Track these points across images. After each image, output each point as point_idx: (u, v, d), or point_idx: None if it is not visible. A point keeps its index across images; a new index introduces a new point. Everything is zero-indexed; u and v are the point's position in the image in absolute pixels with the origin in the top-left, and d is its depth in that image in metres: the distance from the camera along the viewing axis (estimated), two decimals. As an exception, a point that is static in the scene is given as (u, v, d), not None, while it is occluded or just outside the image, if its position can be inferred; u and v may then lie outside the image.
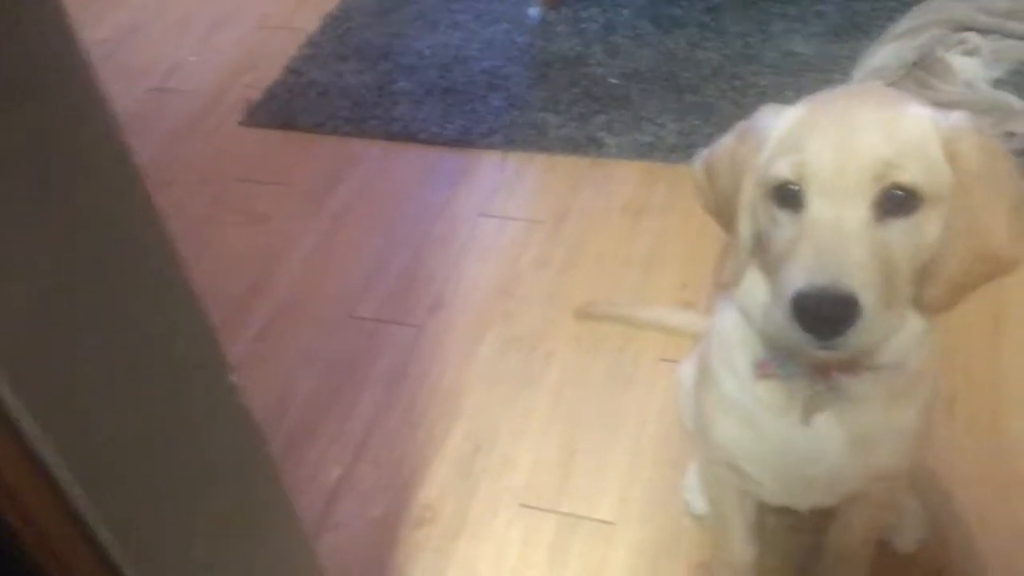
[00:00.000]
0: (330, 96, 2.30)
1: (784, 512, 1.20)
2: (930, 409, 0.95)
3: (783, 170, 0.76)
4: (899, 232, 0.75)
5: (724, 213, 0.88)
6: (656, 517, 1.37)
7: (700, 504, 1.31)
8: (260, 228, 1.99)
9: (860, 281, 0.71)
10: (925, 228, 0.76)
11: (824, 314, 0.71)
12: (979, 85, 1.98)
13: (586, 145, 2.05)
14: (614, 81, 2.20)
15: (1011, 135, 1.84)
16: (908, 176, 0.74)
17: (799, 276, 0.73)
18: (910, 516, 1.27)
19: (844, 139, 0.74)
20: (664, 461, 1.44)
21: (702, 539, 1.31)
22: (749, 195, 0.83)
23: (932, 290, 0.79)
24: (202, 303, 0.73)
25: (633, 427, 1.50)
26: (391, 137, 2.16)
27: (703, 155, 0.92)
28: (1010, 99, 1.86)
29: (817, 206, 0.75)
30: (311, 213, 2.00)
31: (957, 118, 0.77)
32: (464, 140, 2.12)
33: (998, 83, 2.00)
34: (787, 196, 0.77)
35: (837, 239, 0.73)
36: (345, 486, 1.48)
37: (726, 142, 0.88)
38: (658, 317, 1.63)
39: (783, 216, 0.78)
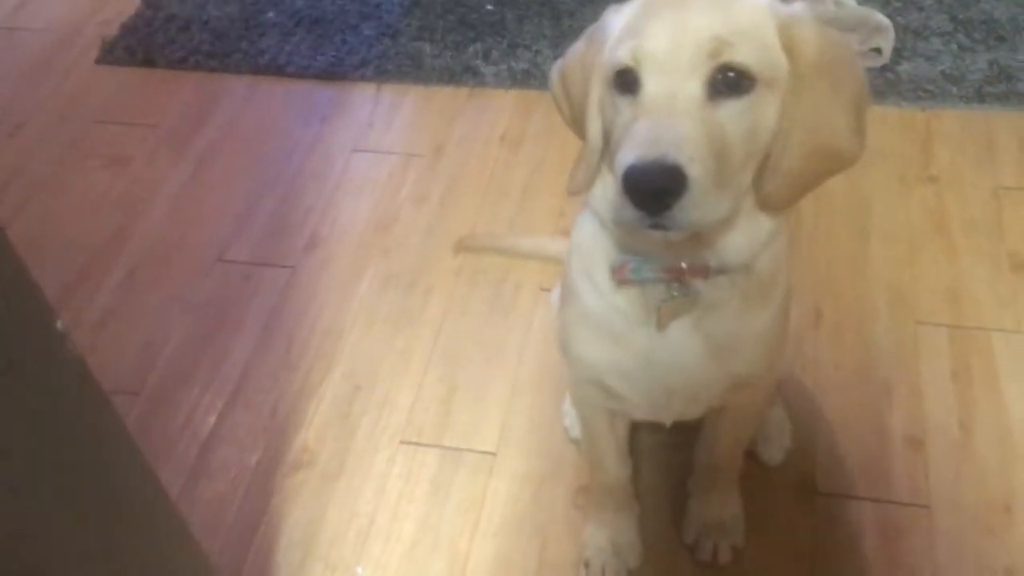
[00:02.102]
0: (191, 30, 2.18)
1: (655, 429, 1.22)
2: (785, 314, 0.96)
3: (622, 55, 0.76)
4: (732, 112, 0.75)
5: (579, 120, 0.87)
6: (537, 445, 1.38)
7: (578, 429, 1.32)
8: (122, 171, 1.89)
9: (688, 154, 0.71)
10: (758, 111, 0.76)
11: (651, 185, 0.71)
12: (847, 2, 2.00)
13: (462, 75, 2.00)
14: (490, 7, 2.15)
15: (877, 51, 1.88)
16: (740, 56, 0.74)
17: (630, 152, 0.72)
18: (776, 427, 1.31)
19: (678, 19, 0.75)
20: (545, 390, 1.44)
21: (582, 464, 1.33)
22: (597, 93, 0.82)
23: (772, 184, 0.79)
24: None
25: (513, 358, 1.49)
26: (258, 71, 2.07)
27: (557, 66, 0.90)
28: (876, 15, 1.89)
29: (651, 84, 0.75)
30: (175, 154, 1.91)
31: (796, 8, 0.77)
32: (335, 72, 2.04)
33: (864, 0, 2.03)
34: (626, 81, 0.77)
35: (668, 114, 0.73)
36: (221, 433, 1.44)
37: (577, 47, 0.87)
38: (537, 246, 1.62)
39: (623, 102, 0.77)
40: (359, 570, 1.28)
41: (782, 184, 0.79)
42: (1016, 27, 1.91)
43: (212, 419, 1.46)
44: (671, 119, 0.73)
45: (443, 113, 1.95)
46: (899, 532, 1.23)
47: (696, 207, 0.72)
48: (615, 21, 0.82)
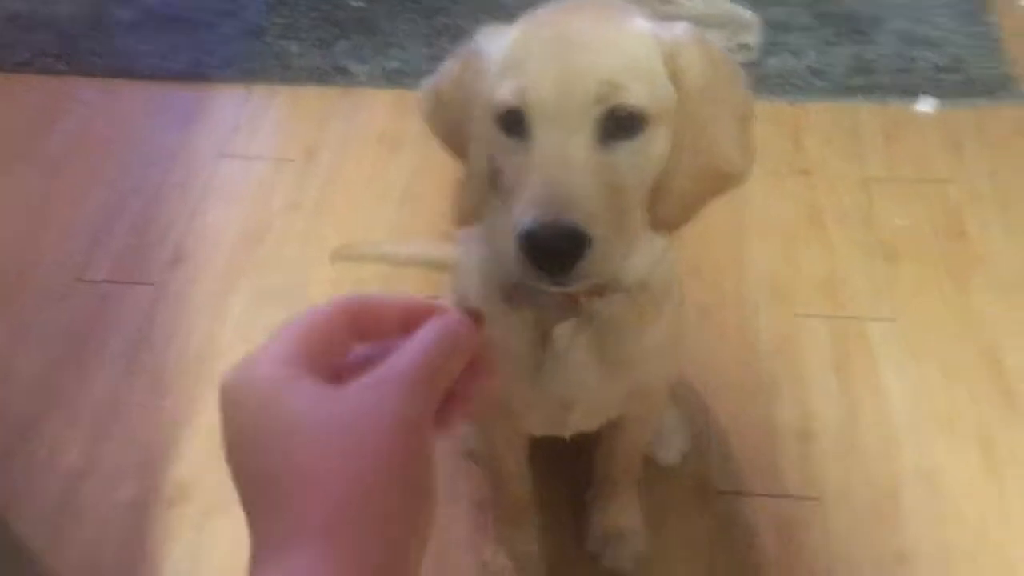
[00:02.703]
0: (35, 29, 2.02)
1: (553, 441, 1.19)
2: (678, 324, 0.95)
3: (506, 96, 0.71)
4: (625, 154, 0.71)
5: (456, 143, 0.82)
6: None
7: (471, 440, 1.29)
8: (-41, 186, 1.72)
9: (586, 213, 0.68)
10: (651, 147, 0.73)
11: (551, 250, 0.68)
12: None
13: (332, 74, 1.93)
14: (356, 3, 2.07)
15: (745, 47, 1.91)
16: (632, 97, 0.70)
17: (525, 212, 0.68)
18: (670, 429, 1.31)
19: (563, 60, 0.70)
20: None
21: (479, 478, 1.29)
22: (482, 126, 0.77)
23: (663, 208, 0.76)
24: None
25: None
26: (110, 74, 1.93)
27: (428, 84, 0.85)
28: (742, 11, 1.93)
29: (541, 134, 0.71)
30: (21, 165, 1.76)
31: (680, 32, 0.74)
32: (196, 74, 1.93)
33: (731, -2, 2.06)
34: (512, 123, 0.72)
35: (562, 170, 0.69)
36: (87, 469, 1.33)
37: (450, 69, 0.82)
38: (419, 252, 1.56)
39: (511, 144, 0.73)
40: (249, 608, 1.20)
41: (673, 207, 0.77)
42: (875, 21, 1.98)
43: (76, 455, 1.34)
44: (564, 174, 0.69)
45: (314, 115, 1.86)
46: (794, 526, 1.25)
47: (598, 262, 0.69)
48: (493, 48, 0.76)
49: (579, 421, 1.00)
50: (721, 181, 0.78)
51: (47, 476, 1.32)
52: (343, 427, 0.41)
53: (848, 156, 1.74)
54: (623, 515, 1.22)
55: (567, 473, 1.29)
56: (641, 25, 0.74)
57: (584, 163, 0.69)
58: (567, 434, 1.04)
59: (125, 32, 2.00)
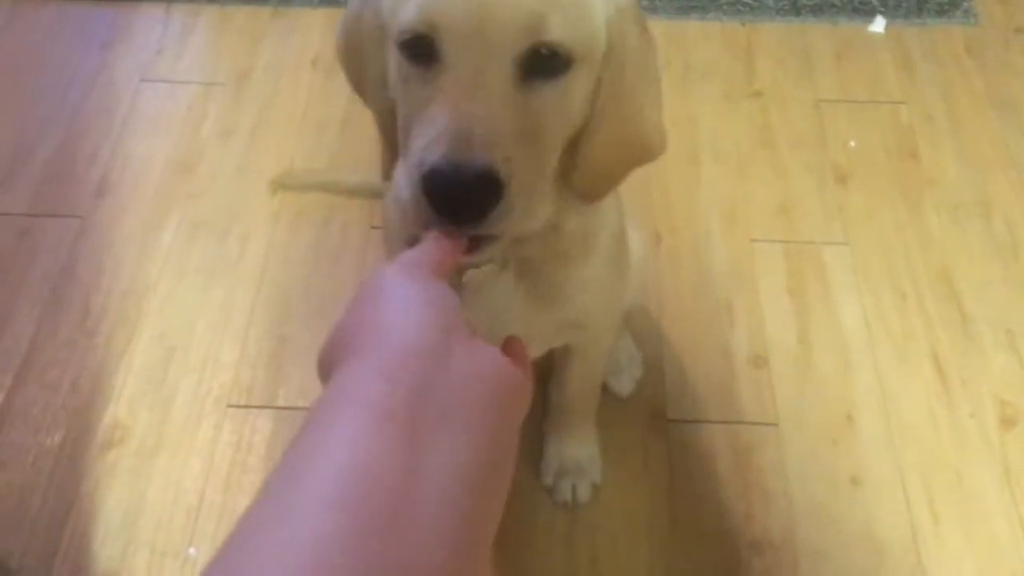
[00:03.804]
0: (-69, -58, 1.85)
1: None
2: (615, 260, 0.90)
3: (410, 17, 0.61)
4: (547, 95, 0.63)
5: (363, 89, 0.74)
6: (379, 396, 1.28)
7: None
8: None
9: (503, 154, 0.59)
10: (574, 91, 0.65)
11: (460, 193, 0.58)
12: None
13: (263, -8, 1.81)
14: (287, -83, 1.94)
15: None
16: (559, 32, 0.61)
17: (431, 149, 0.59)
18: (625, 357, 1.28)
19: None
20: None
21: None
22: (379, 62, 0.69)
23: (582, 177, 0.72)
24: None
25: (345, 304, 1.37)
26: (20, -9, 1.79)
27: (341, 19, 0.74)
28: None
29: (452, 59, 0.61)
30: (-76, 91, 1.63)
31: None
32: (114, -8, 1.79)
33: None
34: (419, 49, 0.62)
35: (476, 102, 0.60)
36: (10, 415, 1.25)
37: (353, 3, 0.72)
38: (363, 181, 1.49)
39: (415, 72, 0.63)
40: (192, 551, 1.15)
41: (593, 176, 0.72)
42: (825, -61, 1.93)
43: (-1, 399, 1.27)
44: (478, 107, 0.59)
45: (245, 35, 1.75)
46: (751, 452, 1.24)
47: (511, 214, 0.61)
48: None
49: None
50: (641, 153, 0.74)
51: (-32, 422, 1.24)
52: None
53: (800, 78, 1.70)
54: (579, 446, 1.19)
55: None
56: None
57: (502, 97, 0.60)
58: None
59: (34, -54, 1.85)
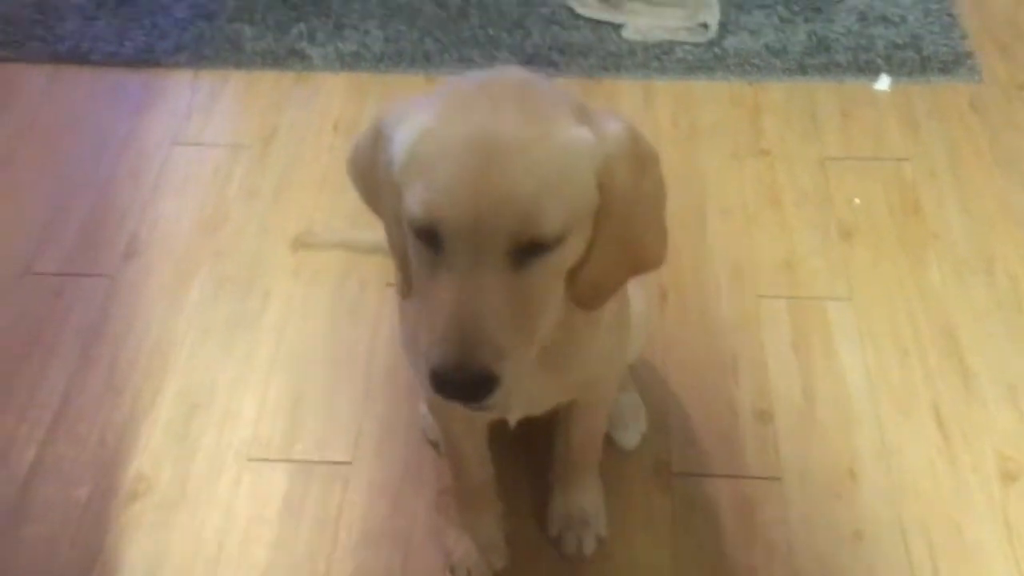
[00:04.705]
0: (-23, 14, 1.96)
1: (514, 427, 1.19)
2: (618, 325, 0.96)
3: (416, 210, 0.68)
4: (540, 270, 0.70)
5: (378, 209, 0.82)
6: (393, 450, 1.33)
7: (435, 430, 1.28)
8: (-97, 179, 1.68)
9: (496, 349, 0.68)
10: (566, 258, 0.73)
11: (461, 391, 0.69)
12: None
13: (287, 58, 1.90)
14: (312, -15, 2.03)
15: (703, 27, 1.91)
16: (551, 225, 0.68)
17: (435, 345, 0.69)
18: (630, 411, 1.31)
19: (480, 179, 0.66)
20: (398, 392, 1.38)
21: (441, 466, 1.28)
22: (390, 211, 0.76)
23: (579, 291, 0.78)
24: None
25: (363, 360, 1.43)
26: (58, 59, 1.89)
27: (350, 153, 0.83)
28: (701, -8, 1.92)
29: (452, 256, 0.68)
30: (-33, 156, 1.72)
31: (615, 138, 0.72)
32: (147, 59, 1.89)
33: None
34: (426, 237, 0.70)
35: (472, 302, 0.68)
36: (42, 468, 1.31)
37: (364, 143, 0.78)
38: (380, 240, 1.53)
39: (425, 252, 0.71)
40: (210, 602, 1.19)
41: (590, 292, 0.78)
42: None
43: (31, 454, 1.32)
44: (476, 306, 0.67)
45: (269, 100, 1.84)
46: (754, 506, 1.26)
47: (508, 387, 0.70)
48: (402, 134, 0.71)
49: (520, 411, 1.01)
50: (639, 267, 0.80)
51: (2, 477, 1.30)
52: None
53: (806, 136, 1.74)
54: (584, 498, 1.22)
55: (528, 457, 1.29)
56: (571, 134, 0.69)
57: (496, 292, 0.68)
58: (512, 421, 1.03)
59: (73, 17, 1.95)
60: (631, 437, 1.31)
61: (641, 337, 1.24)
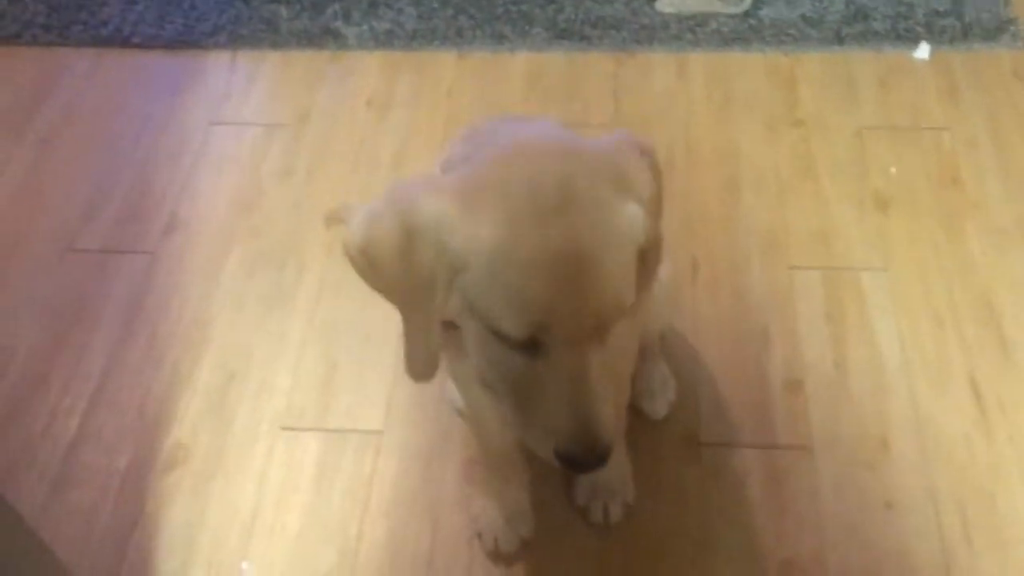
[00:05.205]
0: (24, 1, 2.00)
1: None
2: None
3: (521, 332, 0.71)
4: (620, 331, 0.76)
5: (395, 299, 0.78)
6: (423, 420, 1.35)
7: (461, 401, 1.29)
8: (-46, 160, 1.74)
9: (607, 422, 0.74)
10: (634, 308, 0.77)
11: (589, 467, 0.75)
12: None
13: (322, 37, 1.91)
14: (346, -34, 2.05)
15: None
16: (630, 299, 0.74)
17: (559, 431, 0.74)
18: (659, 381, 1.31)
19: (574, 293, 0.70)
20: (411, 373, 1.39)
21: (469, 436, 1.30)
22: (426, 303, 0.75)
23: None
24: None
25: (394, 333, 1.44)
26: (100, 43, 1.93)
27: (356, 230, 0.78)
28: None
29: (557, 357, 0.72)
30: (13, 138, 1.76)
31: (648, 190, 0.77)
32: (186, 41, 1.92)
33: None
34: (520, 345, 0.73)
35: (585, 392, 0.73)
36: (85, 436, 1.35)
37: (386, 231, 0.74)
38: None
39: (517, 357, 0.74)
40: (244, 566, 1.22)
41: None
42: (869, -32, 1.95)
43: (74, 423, 1.37)
44: (587, 394, 0.73)
45: (304, 79, 1.86)
46: (784, 476, 1.25)
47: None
48: (460, 247, 0.70)
49: None
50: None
51: (44, 445, 1.34)
52: None
53: (843, 105, 1.71)
54: (610, 467, 1.22)
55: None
56: (626, 218, 0.73)
57: (597, 372, 0.73)
58: None
59: (115, 2, 1.99)
60: (660, 407, 1.31)
61: (666, 307, 1.24)
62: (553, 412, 0.74)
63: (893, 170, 1.59)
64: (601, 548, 1.21)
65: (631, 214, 0.73)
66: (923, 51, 1.78)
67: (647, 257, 0.78)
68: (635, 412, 1.27)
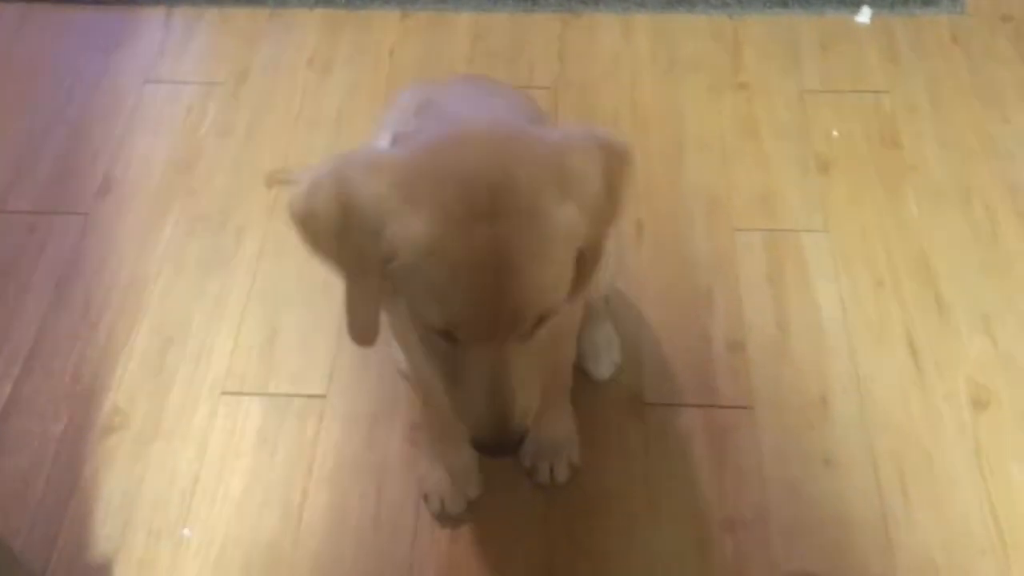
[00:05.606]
0: (-56, -49, 1.91)
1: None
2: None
3: (435, 321, 0.73)
4: (544, 333, 0.76)
5: (335, 268, 0.79)
6: (368, 384, 1.33)
7: (405, 364, 1.28)
8: None
9: (523, 411, 0.77)
10: (564, 307, 0.77)
11: (502, 452, 0.79)
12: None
13: (261, -6, 1.86)
14: (286, -80, 1.99)
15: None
16: (558, 301, 0.74)
17: (474, 424, 0.78)
18: (604, 342, 1.32)
19: (496, 294, 0.70)
20: (352, 335, 1.38)
21: (415, 399, 1.29)
22: (365, 272, 0.75)
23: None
24: None
25: (337, 295, 1.40)
26: (28, -3, 1.85)
27: (297, 199, 0.77)
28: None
29: (475, 350, 0.74)
30: (-64, 95, 1.69)
31: (592, 194, 0.75)
32: (118, -4, 1.85)
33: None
34: (441, 331, 0.75)
35: (500, 382, 0.75)
36: (17, 402, 1.31)
37: (324, 205, 0.74)
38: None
39: (439, 340, 0.76)
40: (186, 532, 1.20)
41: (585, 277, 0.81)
42: (814, -69, 1.95)
43: (7, 388, 1.33)
44: (502, 386, 0.75)
45: (243, 36, 1.81)
46: (725, 434, 1.27)
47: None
48: (394, 234, 0.70)
49: None
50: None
51: (-25, 411, 1.31)
52: None
53: (786, 69, 1.72)
54: (556, 428, 1.23)
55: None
56: (562, 220, 0.72)
57: (518, 364, 0.75)
58: None
59: (42, -47, 1.91)
60: (605, 368, 1.31)
61: (611, 267, 1.24)
62: (468, 400, 0.77)
63: (835, 133, 1.61)
64: (547, 508, 1.22)
65: (567, 218, 0.72)
66: (865, 15, 1.79)
67: (584, 258, 0.77)
68: (580, 373, 1.28)
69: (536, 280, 0.71)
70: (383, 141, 0.88)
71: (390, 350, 1.32)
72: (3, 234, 1.50)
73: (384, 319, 0.86)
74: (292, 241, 1.47)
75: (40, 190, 1.56)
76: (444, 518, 1.20)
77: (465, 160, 0.71)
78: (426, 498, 1.21)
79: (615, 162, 0.78)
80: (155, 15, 1.85)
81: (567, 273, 0.74)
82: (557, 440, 1.22)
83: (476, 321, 0.72)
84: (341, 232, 0.74)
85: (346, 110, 1.67)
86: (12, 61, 1.76)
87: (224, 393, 1.32)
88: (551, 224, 0.71)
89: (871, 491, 1.22)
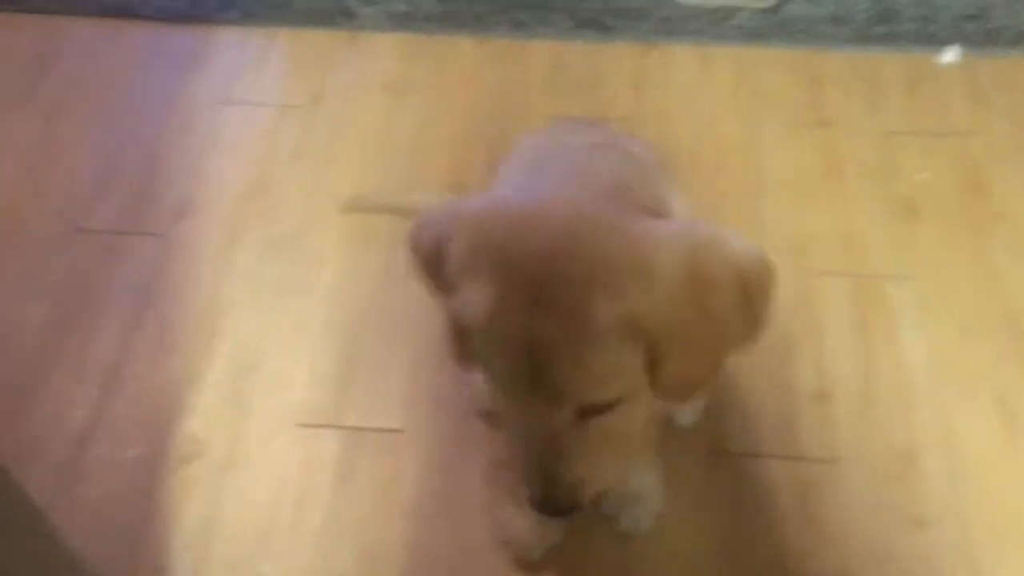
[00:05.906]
0: (24, -35, 1.93)
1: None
2: None
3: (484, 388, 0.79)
4: (602, 423, 0.76)
5: (434, 293, 0.86)
6: (445, 419, 1.32)
7: (484, 401, 1.27)
8: (-48, 131, 1.67)
9: (576, 486, 0.78)
10: (632, 414, 0.78)
11: (556, 514, 0.82)
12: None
13: (336, 16, 1.86)
14: (361, -58, 1.99)
15: None
16: (607, 396, 0.75)
17: (524, 481, 0.80)
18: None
19: (529, 377, 0.72)
20: (446, 360, 1.36)
21: (493, 437, 1.27)
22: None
23: (663, 393, 0.78)
24: None
25: (413, 327, 1.41)
26: (107, 13, 1.86)
27: (413, 229, 0.87)
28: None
29: (521, 419, 0.77)
30: (16, 110, 1.70)
31: (664, 286, 0.72)
32: (196, 15, 1.86)
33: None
34: None
35: (548, 457, 0.77)
36: (95, 427, 1.31)
37: (427, 238, 0.83)
38: (430, 204, 1.52)
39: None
40: (265, 568, 1.19)
41: (677, 391, 0.80)
42: (896, -33, 1.92)
43: (84, 412, 1.32)
44: (551, 452, 0.76)
45: (319, 59, 1.81)
46: (811, 488, 1.24)
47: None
48: (463, 298, 0.75)
49: None
50: (726, 354, 0.82)
51: (53, 435, 1.30)
52: None
53: (868, 108, 1.69)
54: (640, 476, 1.20)
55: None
56: (608, 322, 0.70)
57: (567, 439, 0.76)
58: None
59: (121, -30, 1.93)
60: (688, 416, 1.29)
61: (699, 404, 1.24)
62: (524, 466, 0.80)
63: (920, 176, 1.57)
64: (628, 557, 1.19)
65: (617, 316, 0.70)
66: (951, 55, 1.76)
67: (659, 352, 0.73)
68: (663, 421, 1.25)
69: (572, 373, 0.72)
70: (504, 188, 0.90)
71: (467, 390, 1.31)
72: (81, 254, 1.50)
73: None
74: (368, 269, 1.48)
75: (117, 210, 1.56)
76: (524, 565, 1.18)
77: (529, 244, 0.72)
78: (507, 543, 1.19)
79: (751, 277, 0.78)
80: (230, 34, 1.85)
81: (622, 369, 0.73)
82: (641, 488, 1.20)
83: (516, 401, 0.75)
84: (435, 273, 0.82)
85: (423, 136, 1.66)
86: (92, 77, 1.77)
87: (300, 425, 1.31)
88: (592, 322, 0.70)
89: (962, 554, 1.18)
